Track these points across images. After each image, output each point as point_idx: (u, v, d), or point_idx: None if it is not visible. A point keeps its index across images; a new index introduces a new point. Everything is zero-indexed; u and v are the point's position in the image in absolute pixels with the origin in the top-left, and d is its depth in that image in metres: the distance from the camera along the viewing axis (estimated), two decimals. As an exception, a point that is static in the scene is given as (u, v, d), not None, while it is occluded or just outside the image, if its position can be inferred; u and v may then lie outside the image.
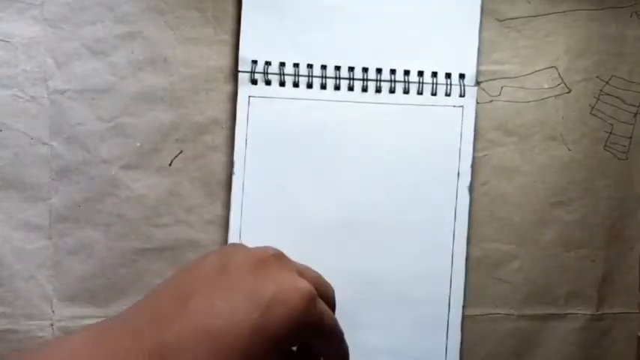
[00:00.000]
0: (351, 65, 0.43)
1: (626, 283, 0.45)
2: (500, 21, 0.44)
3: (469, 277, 0.44)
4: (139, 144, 0.43)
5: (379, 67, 0.43)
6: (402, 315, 0.43)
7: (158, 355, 0.25)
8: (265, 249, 0.30)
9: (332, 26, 0.43)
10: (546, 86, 0.45)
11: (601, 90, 0.45)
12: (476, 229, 0.44)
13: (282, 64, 0.43)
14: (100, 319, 0.42)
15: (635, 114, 0.45)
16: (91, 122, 0.43)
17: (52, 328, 0.43)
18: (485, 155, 0.45)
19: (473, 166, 0.44)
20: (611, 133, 0.45)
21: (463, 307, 0.44)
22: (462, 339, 0.44)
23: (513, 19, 0.44)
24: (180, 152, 0.44)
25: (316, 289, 0.29)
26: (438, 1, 0.43)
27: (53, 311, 0.43)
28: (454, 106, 0.44)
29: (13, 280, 0.43)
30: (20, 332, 0.43)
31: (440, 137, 0.44)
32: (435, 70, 0.43)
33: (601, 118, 0.45)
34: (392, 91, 0.43)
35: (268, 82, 0.43)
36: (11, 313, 0.43)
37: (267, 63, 0.43)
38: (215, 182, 0.44)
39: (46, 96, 0.43)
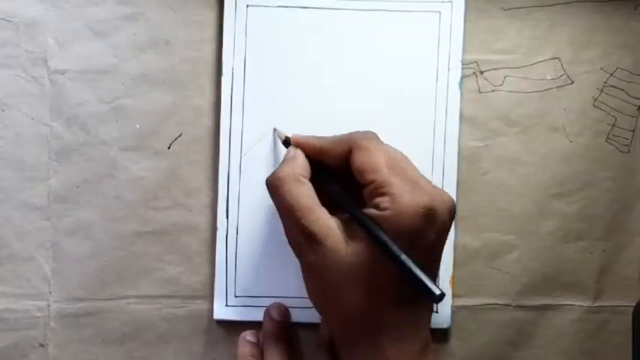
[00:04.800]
0: None
1: (625, 276, 0.45)
2: (505, 10, 0.44)
3: (467, 267, 0.44)
4: (138, 126, 0.43)
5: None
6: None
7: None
8: None
9: None
10: (549, 77, 0.45)
11: (605, 82, 0.45)
12: (475, 219, 0.44)
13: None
14: (96, 302, 0.43)
15: (639, 107, 0.45)
16: (91, 103, 0.43)
17: (49, 309, 0.43)
18: (487, 145, 0.44)
19: (463, 61, 0.44)
20: (614, 125, 0.45)
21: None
22: (458, 329, 0.44)
23: (518, 8, 0.44)
24: (180, 135, 0.44)
25: None
26: None
27: (50, 292, 0.43)
28: (443, 2, 0.44)
29: (12, 259, 0.43)
30: (18, 311, 0.43)
31: (429, 33, 0.44)
32: None
33: (604, 111, 0.45)
34: None
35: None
36: (10, 292, 0.43)
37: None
38: (214, 166, 0.44)
39: (46, 76, 0.43)
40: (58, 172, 0.43)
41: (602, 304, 0.45)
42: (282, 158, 0.40)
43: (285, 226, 0.37)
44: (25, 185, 0.43)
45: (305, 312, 0.44)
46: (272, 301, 0.44)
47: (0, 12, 0.42)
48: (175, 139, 0.44)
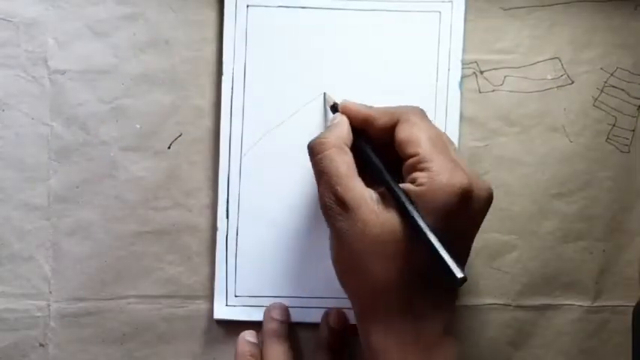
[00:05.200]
0: None
1: (625, 276, 0.45)
2: (505, 10, 0.44)
3: (467, 267, 0.44)
4: (138, 126, 0.43)
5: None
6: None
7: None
8: None
9: None
10: (549, 77, 0.44)
11: (605, 82, 0.45)
12: (475, 219, 0.44)
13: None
14: (96, 302, 0.43)
15: (639, 107, 0.45)
16: (91, 103, 0.43)
17: (49, 309, 0.43)
18: (487, 145, 0.44)
19: (463, 61, 0.44)
20: (614, 125, 0.45)
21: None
22: (458, 329, 0.44)
23: (518, 8, 0.44)
24: (180, 135, 0.44)
25: None
26: None
27: (50, 292, 0.43)
28: (443, 2, 0.43)
29: (12, 259, 0.43)
30: (18, 311, 0.43)
31: (429, 33, 0.44)
32: None
33: (604, 111, 0.45)
34: None
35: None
36: (10, 292, 0.43)
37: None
38: (214, 166, 0.44)
39: (46, 76, 0.43)
40: (58, 172, 0.43)
41: (602, 304, 0.45)
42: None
43: (319, 191, 0.37)
44: (25, 185, 0.43)
45: (305, 312, 0.44)
46: (272, 300, 0.44)
47: (0, 12, 0.42)
48: (175, 139, 0.44)
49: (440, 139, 0.36)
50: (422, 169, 0.35)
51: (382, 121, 0.38)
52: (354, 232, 0.35)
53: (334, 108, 0.41)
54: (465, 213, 0.35)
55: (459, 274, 0.32)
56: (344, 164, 0.36)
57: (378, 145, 0.38)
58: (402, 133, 0.36)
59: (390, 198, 0.35)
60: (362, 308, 0.37)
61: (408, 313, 0.35)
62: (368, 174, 0.37)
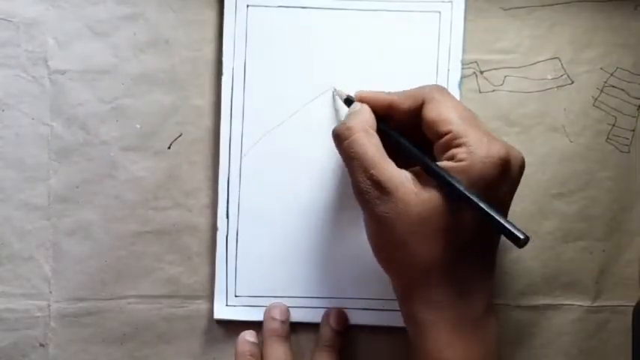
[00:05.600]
0: None
1: (625, 276, 0.45)
2: (505, 10, 0.44)
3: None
4: (138, 126, 0.43)
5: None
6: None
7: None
8: None
9: None
10: (549, 77, 0.44)
11: (605, 82, 0.45)
12: (475, 219, 0.44)
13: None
14: (96, 302, 0.43)
15: (639, 107, 0.45)
16: (91, 103, 0.43)
17: (49, 309, 0.43)
18: (487, 145, 0.44)
19: (463, 61, 0.44)
20: (614, 125, 0.45)
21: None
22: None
23: (518, 8, 0.44)
24: (180, 135, 0.44)
25: None
26: None
27: (51, 292, 0.44)
28: (443, 2, 0.44)
29: (12, 259, 0.43)
30: (18, 311, 0.43)
31: (429, 33, 0.44)
32: None
33: (604, 111, 0.45)
34: None
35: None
36: (10, 292, 0.43)
37: None
38: (214, 166, 0.44)
39: (46, 76, 0.43)
40: (58, 172, 0.43)
41: (602, 303, 0.45)
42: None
43: (353, 177, 0.37)
44: (25, 185, 0.43)
45: (305, 312, 0.44)
46: (272, 300, 0.44)
47: (0, 12, 0.42)
48: (175, 139, 0.44)
49: (469, 114, 0.37)
50: (459, 145, 0.35)
51: (406, 104, 0.38)
52: (396, 214, 0.35)
53: (348, 101, 0.41)
54: (504, 182, 0.35)
55: (521, 235, 0.33)
56: (374, 147, 0.36)
57: (402, 128, 0.38)
58: (431, 112, 0.37)
59: (427, 177, 0.35)
60: (407, 288, 0.37)
61: (453, 288, 0.35)
62: (398, 157, 0.37)
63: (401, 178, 0.35)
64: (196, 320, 0.44)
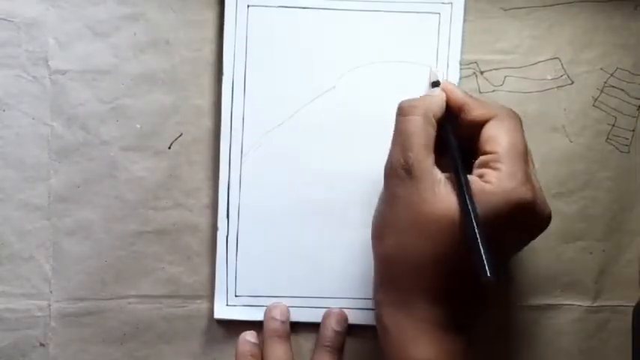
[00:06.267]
0: None
1: (625, 276, 0.45)
2: (505, 10, 0.44)
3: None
4: (139, 126, 0.43)
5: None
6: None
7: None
8: None
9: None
10: (549, 77, 0.44)
11: (605, 82, 0.45)
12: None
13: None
14: (96, 302, 0.43)
15: (639, 107, 0.45)
16: (91, 103, 0.43)
17: (50, 309, 0.43)
18: (487, 145, 0.44)
19: (461, 64, 0.44)
20: (614, 125, 0.45)
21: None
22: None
23: (518, 8, 0.44)
24: (180, 135, 0.44)
25: None
26: None
27: (51, 292, 0.44)
28: (442, 3, 0.44)
29: (12, 259, 0.43)
30: (18, 311, 0.43)
31: (429, 34, 0.44)
32: None
33: (604, 111, 0.45)
34: None
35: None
36: (10, 292, 0.43)
37: None
38: (214, 166, 0.44)
39: (47, 76, 0.43)
40: (58, 172, 0.43)
41: (601, 303, 0.45)
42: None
43: (391, 150, 0.37)
44: (25, 185, 0.43)
45: (305, 312, 0.44)
46: (272, 300, 0.44)
47: (0, 12, 0.42)
48: (175, 139, 0.44)
49: (523, 150, 0.36)
50: (494, 168, 0.35)
51: (478, 112, 0.38)
52: (410, 201, 0.35)
53: (435, 84, 0.40)
54: (515, 225, 0.35)
55: (489, 272, 0.32)
56: (424, 133, 0.36)
57: (463, 134, 0.38)
58: (491, 130, 0.36)
59: (453, 183, 0.35)
60: (383, 279, 0.37)
61: (429, 296, 0.35)
62: (444, 157, 0.37)
63: (431, 173, 0.35)
64: (196, 320, 0.44)
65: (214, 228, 0.44)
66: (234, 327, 0.44)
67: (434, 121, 0.37)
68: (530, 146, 0.44)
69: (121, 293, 0.44)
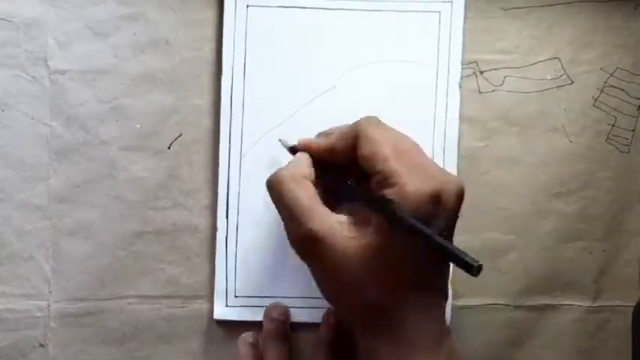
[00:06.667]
0: None
1: (625, 276, 0.45)
2: (505, 10, 0.44)
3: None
4: (138, 126, 0.43)
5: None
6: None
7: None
8: None
9: None
10: (549, 77, 0.45)
11: (605, 82, 0.45)
12: (475, 219, 0.44)
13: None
14: (96, 302, 0.43)
15: (639, 107, 0.45)
16: (91, 103, 0.43)
17: (49, 309, 0.43)
18: (487, 145, 0.44)
19: (463, 61, 0.44)
20: (614, 125, 0.45)
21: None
22: (458, 329, 0.44)
23: (518, 8, 0.44)
24: (180, 135, 0.44)
25: None
26: None
27: (50, 292, 0.43)
28: (443, 2, 0.44)
29: (12, 259, 0.43)
30: (18, 311, 0.43)
31: (429, 33, 0.44)
32: None
33: (604, 111, 0.45)
34: None
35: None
36: (10, 292, 0.43)
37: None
38: (214, 166, 0.44)
39: (46, 76, 0.43)
40: (58, 172, 0.43)
41: (601, 304, 0.45)
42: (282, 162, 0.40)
43: (286, 228, 0.36)
44: (25, 185, 0.43)
45: (305, 312, 0.44)
46: (272, 301, 0.44)
47: (0, 12, 0.42)
48: (175, 139, 0.44)
49: (402, 147, 0.35)
50: (389, 185, 0.34)
51: (342, 146, 0.37)
52: (333, 261, 0.34)
53: (292, 150, 0.40)
54: (439, 216, 0.34)
55: (475, 263, 0.31)
56: (304, 196, 0.35)
57: (350, 167, 0.37)
58: (363, 150, 0.35)
59: (365, 216, 0.34)
60: (357, 325, 0.36)
61: (401, 321, 0.34)
62: (340, 198, 0.37)
63: (334, 226, 0.34)
64: (196, 320, 0.44)
65: (214, 228, 0.44)
66: (234, 327, 0.44)
67: (304, 180, 0.36)
68: (531, 146, 0.44)
69: (120, 293, 0.44)
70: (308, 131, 0.43)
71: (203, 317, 0.44)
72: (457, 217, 0.36)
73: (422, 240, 0.33)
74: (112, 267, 0.44)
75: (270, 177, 0.37)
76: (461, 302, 0.44)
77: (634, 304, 0.45)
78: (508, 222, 0.45)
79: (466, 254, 0.32)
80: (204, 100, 0.44)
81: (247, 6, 0.43)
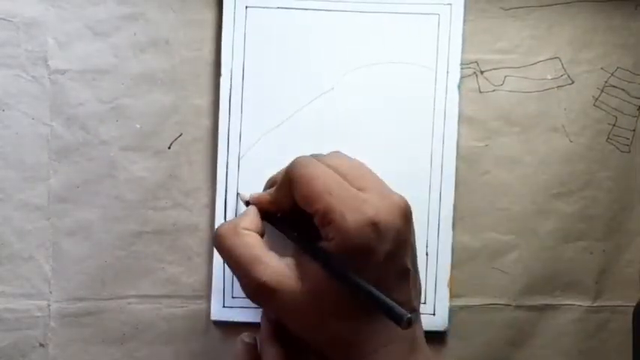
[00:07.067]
0: None
1: (625, 276, 0.45)
2: (505, 10, 0.44)
3: (467, 267, 0.44)
4: (138, 126, 0.43)
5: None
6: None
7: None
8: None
9: None
10: (549, 77, 0.44)
11: (605, 82, 0.45)
12: (475, 219, 0.44)
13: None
14: (96, 302, 0.43)
15: (639, 107, 0.45)
16: (91, 103, 0.43)
17: (49, 309, 0.43)
18: (487, 145, 0.44)
19: (461, 64, 0.44)
20: (614, 125, 0.45)
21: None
22: (458, 329, 0.44)
23: (518, 8, 0.44)
24: (180, 135, 0.44)
25: None
26: None
27: (51, 292, 0.44)
28: (442, 4, 0.44)
29: (12, 259, 0.43)
30: (18, 311, 0.43)
31: (428, 35, 0.44)
32: None
33: (604, 111, 0.45)
34: None
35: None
36: (10, 292, 0.43)
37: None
38: (214, 166, 0.44)
39: (46, 76, 0.43)
40: (58, 172, 0.43)
41: (602, 304, 0.45)
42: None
43: (238, 280, 0.36)
44: (25, 185, 0.43)
45: (305, 312, 0.44)
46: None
47: (0, 12, 0.42)
48: (175, 139, 0.44)
49: (331, 180, 0.34)
50: (327, 223, 0.33)
51: (283, 194, 0.37)
52: (285, 308, 0.34)
53: (247, 204, 0.40)
54: (382, 243, 0.33)
55: (405, 315, 0.31)
56: (248, 248, 0.35)
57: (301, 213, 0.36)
58: (298, 194, 0.35)
59: (308, 258, 0.34)
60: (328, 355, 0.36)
61: (366, 351, 0.34)
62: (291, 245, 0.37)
63: (281, 273, 0.34)
64: (196, 320, 0.44)
65: (214, 228, 0.44)
66: (232, 328, 0.44)
67: (247, 231, 0.36)
68: (531, 146, 0.44)
69: (120, 293, 0.44)
70: (307, 132, 0.43)
71: (203, 317, 0.44)
72: (411, 232, 0.35)
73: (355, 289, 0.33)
74: (112, 267, 0.44)
75: (214, 232, 0.37)
76: (461, 302, 0.44)
77: (634, 304, 0.45)
78: (508, 222, 0.45)
79: (395, 305, 0.31)
80: (204, 100, 0.44)
81: (246, 7, 0.43)
